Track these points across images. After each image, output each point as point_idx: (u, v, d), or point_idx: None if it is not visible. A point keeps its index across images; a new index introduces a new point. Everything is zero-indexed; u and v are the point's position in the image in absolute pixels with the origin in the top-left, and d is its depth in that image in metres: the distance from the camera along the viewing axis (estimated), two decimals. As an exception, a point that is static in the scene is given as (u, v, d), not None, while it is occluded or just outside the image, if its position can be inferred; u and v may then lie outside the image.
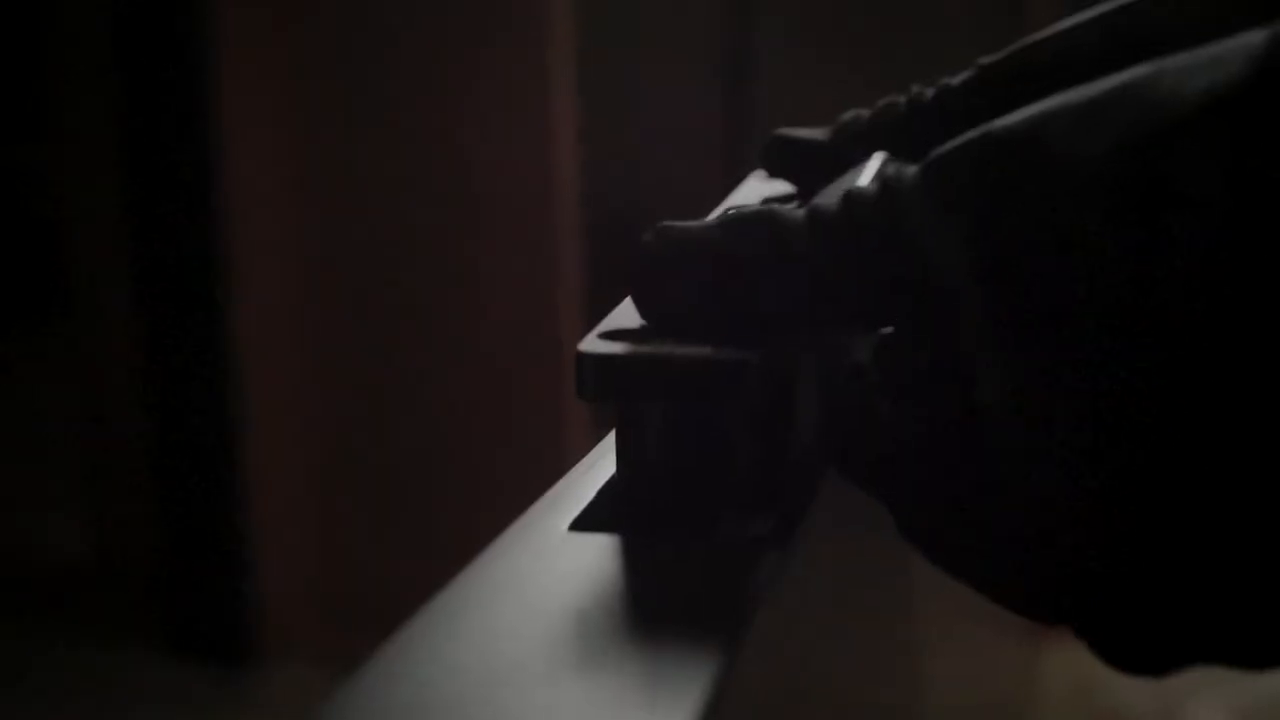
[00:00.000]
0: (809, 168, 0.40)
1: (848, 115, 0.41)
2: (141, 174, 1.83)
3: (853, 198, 0.27)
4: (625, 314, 0.30)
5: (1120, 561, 0.23)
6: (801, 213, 0.27)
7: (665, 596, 0.24)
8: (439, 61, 1.77)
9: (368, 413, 1.89)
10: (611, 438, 0.30)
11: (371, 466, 1.90)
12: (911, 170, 0.26)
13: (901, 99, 0.40)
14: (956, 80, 0.39)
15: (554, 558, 0.26)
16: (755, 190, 0.41)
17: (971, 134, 0.26)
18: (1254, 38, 0.23)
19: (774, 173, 0.42)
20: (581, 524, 0.28)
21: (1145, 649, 0.24)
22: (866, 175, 0.34)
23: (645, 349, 0.27)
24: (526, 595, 0.25)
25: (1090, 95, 0.24)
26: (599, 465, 0.30)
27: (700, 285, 0.28)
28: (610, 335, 0.28)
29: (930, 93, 0.39)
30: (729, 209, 0.38)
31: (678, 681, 0.21)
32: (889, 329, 0.28)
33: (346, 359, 1.88)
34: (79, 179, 1.91)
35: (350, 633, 1.92)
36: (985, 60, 0.38)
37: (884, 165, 0.35)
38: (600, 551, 0.26)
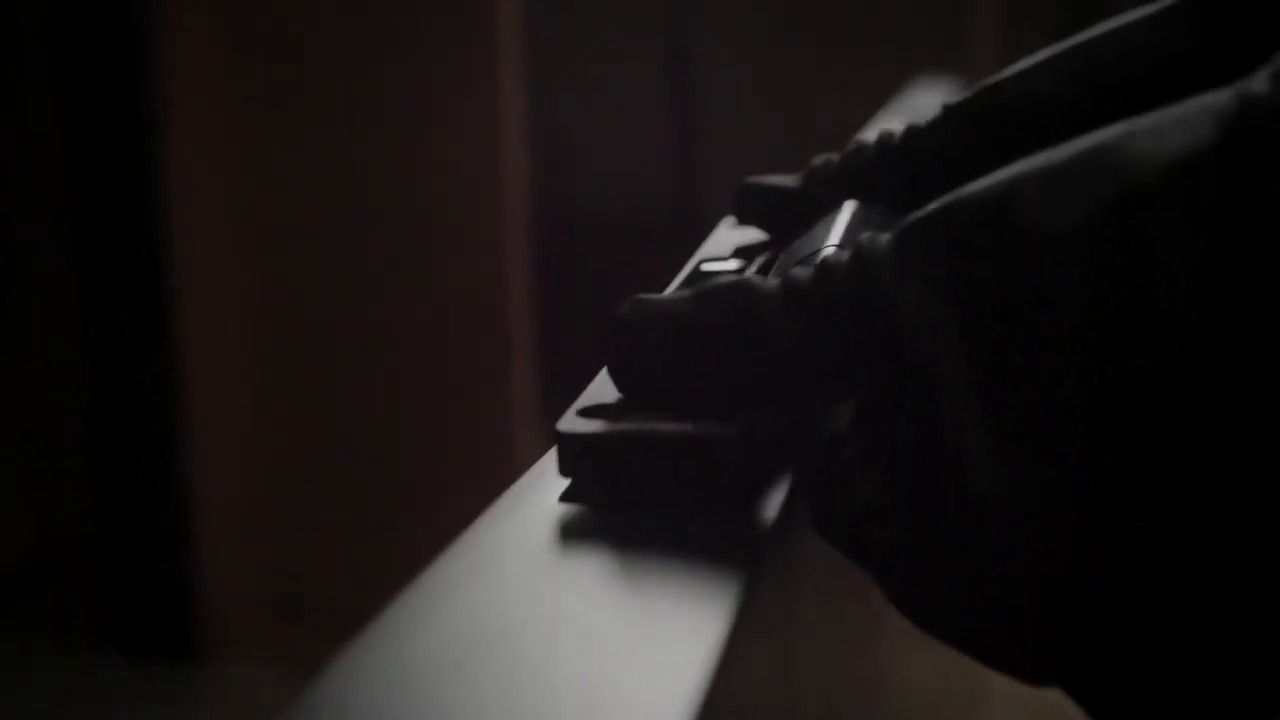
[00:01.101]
0: (781, 214, 0.41)
1: (818, 160, 0.41)
2: (85, 167, 1.81)
3: (827, 268, 0.27)
4: (603, 388, 0.30)
5: (1117, 630, 0.23)
6: (775, 283, 0.27)
7: (660, 566, 0.25)
8: (386, 58, 1.76)
9: (314, 408, 1.88)
10: (588, 391, 0.30)
11: (318, 461, 1.89)
12: (884, 238, 0.26)
13: (871, 140, 0.40)
14: (925, 122, 0.39)
15: (545, 529, 0.26)
16: (726, 240, 0.41)
17: (941, 201, 0.26)
18: (1221, 99, 0.23)
19: (745, 220, 0.42)
20: (571, 495, 0.28)
21: (1142, 711, 0.24)
22: (838, 228, 0.34)
23: (623, 427, 0.28)
24: (519, 566, 0.25)
25: (1058, 160, 0.25)
26: None
27: (675, 358, 0.28)
28: (588, 412, 0.29)
29: (899, 134, 0.39)
30: (701, 262, 0.39)
31: (676, 655, 0.22)
32: (867, 400, 0.28)
33: (293, 355, 1.87)
34: (20, 171, 1.88)
35: (299, 628, 1.91)
36: (951, 102, 0.38)
37: (855, 215, 0.35)
38: (591, 522, 0.27)
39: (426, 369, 1.82)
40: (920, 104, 1.27)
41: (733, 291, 0.28)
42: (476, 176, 1.75)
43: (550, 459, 0.30)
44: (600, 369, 0.31)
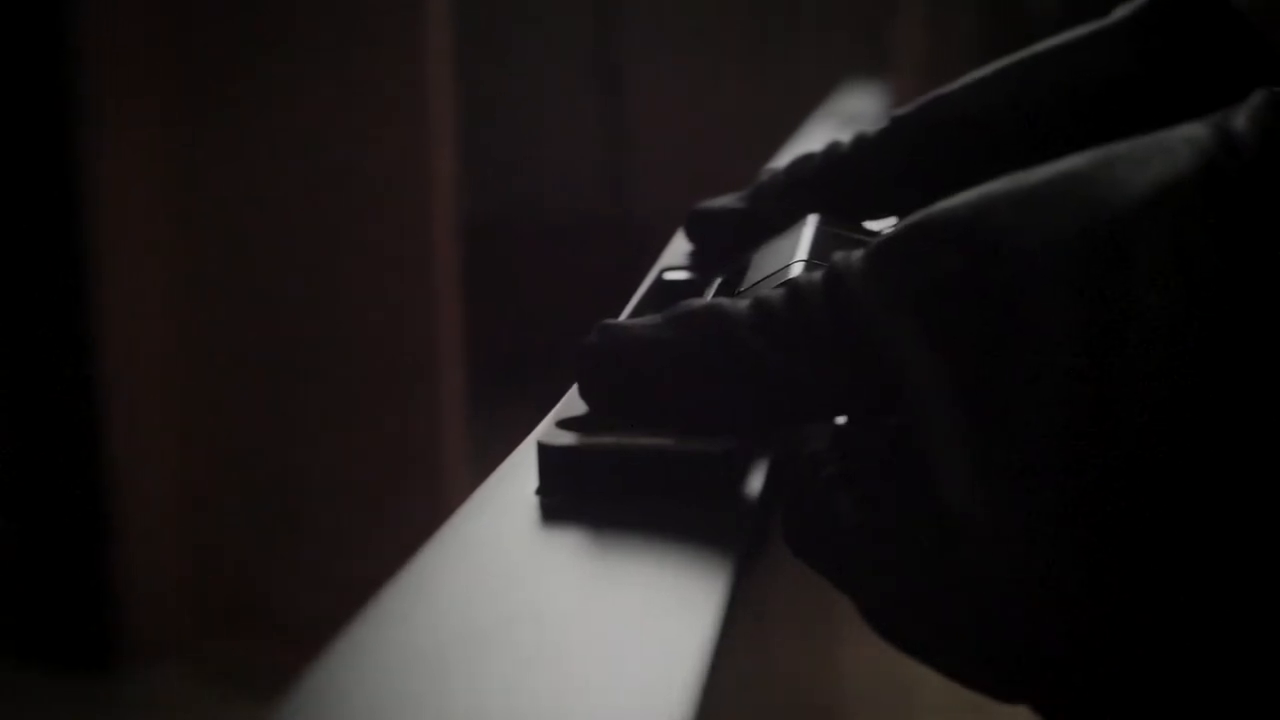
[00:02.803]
0: (731, 235, 0.40)
1: (764, 175, 0.41)
2: (4, 165, 1.78)
3: (799, 289, 0.27)
4: (577, 401, 0.29)
5: (1090, 649, 0.23)
6: (746, 306, 0.27)
7: (643, 556, 0.25)
8: (315, 59, 1.75)
9: (237, 410, 1.86)
10: (563, 403, 0.30)
11: (241, 465, 1.87)
12: (856, 258, 0.26)
13: (817, 152, 0.40)
14: (872, 132, 0.39)
15: (523, 521, 0.26)
16: (680, 251, 0.41)
17: (913, 219, 0.26)
18: (1199, 131, 0.23)
19: (697, 245, 0.42)
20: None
21: None
22: (804, 244, 0.34)
23: (606, 440, 0.27)
24: (500, 559, 0.25)
25: (1032, 183, 0.25)
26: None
27: (648, 384, 0.28)
28: (567, 424, 0.28)
29: (846, 145, 0.39)
30: (663, 271, 0.38)
31: (670, 646, 0.22)
32: (844, 420, 0.28)
33: (217, 356, 1.85)
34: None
35: (221, 634, 1.88)
36: (899, 112, 0.39)
37: (819, 231, 0.35)
38: (569, 514, 0.26)
39: (354, 370, 1.80)
40: (851, 108, 1.28)
41: (705, 316, 0.27)
42: (405, 177, 1.74)
43: (521, 455, 0.30)
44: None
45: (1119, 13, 0.38)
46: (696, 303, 0.28)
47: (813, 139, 0.89)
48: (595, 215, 2.71)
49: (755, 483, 0.27)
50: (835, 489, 0.27)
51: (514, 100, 2.73)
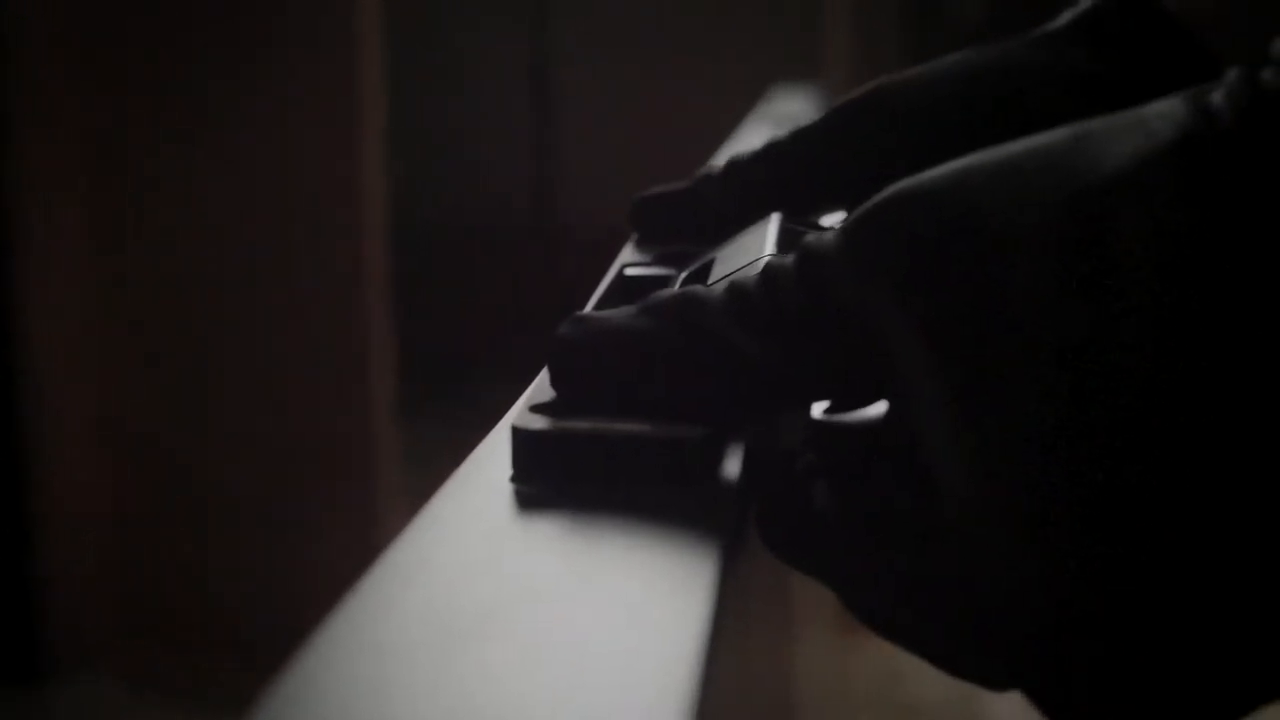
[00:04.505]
0: (679, 217, 0.40)
1: (705, 167, 0.41)
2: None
3: (772, 272, 0.26)
4: (548, 385, 0.29)
5: (1084, 634, 0.23)
6: (721, 292, 0.27)
7: (625, 542, 0.24)
8: (244, 58, 1.73)
9: (164, 418, 1.83)
10: (534, 388, 0.30)
11: (166, 472, 1.84)
12: (829, 237, 0.26)
13: (757, 144, 0.40)
14: (811, 122, 0.39)
15: (501, 509, 0.26)
16: (637, 254, 0.40)
17: (886, 193, 0.25)
18: (1174, 106, 0.24)
19: (644, 233, 0.41)
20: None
21: (1105, 715, 0.24)
22: (769, 237, 0.33)
23: (582, 425, 0.26)
24: (479, 548, 0.24)
25: (1006, 156, 0.25)
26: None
27: (624, 374, 0.27)
28: (541, 408, 0.27)
29: (785, 135, 0.39)
30: (625, 267, 0.38)
31: (665, 635, 0.21)
32: (821, 406, 0.28)
33: (142, 364, 1.82)
34: None
35: (148, 643, 1.85)
36: (840, 101, 0.39)
37: (783, 225, 0.34)
38: (546, 501, 0.26)
39: (284, 375, 1.78)
40: (785, 111, 1.29)
41: (680, 303, 0.27)
42: (335, 179, 1.73)
43: (492, 442, 0.29)
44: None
45: (1064, 17, 0.39)
46: (670, 292, 0.28)
47: (748, 141, 0.89)
48: (525, 222, 2.71)
49: (732, 469, 0.27)
50: (813, 480, 0.27)
51: (444, 107, 2.72)
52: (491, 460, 0.28)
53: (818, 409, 0.28)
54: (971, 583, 0.24)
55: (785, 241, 0.33)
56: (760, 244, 0.33)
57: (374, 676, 0.20)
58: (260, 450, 1.80)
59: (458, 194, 2.75)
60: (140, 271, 1.80)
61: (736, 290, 0.27)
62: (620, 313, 0.28)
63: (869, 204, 0.25)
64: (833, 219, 0.39)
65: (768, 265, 0.27)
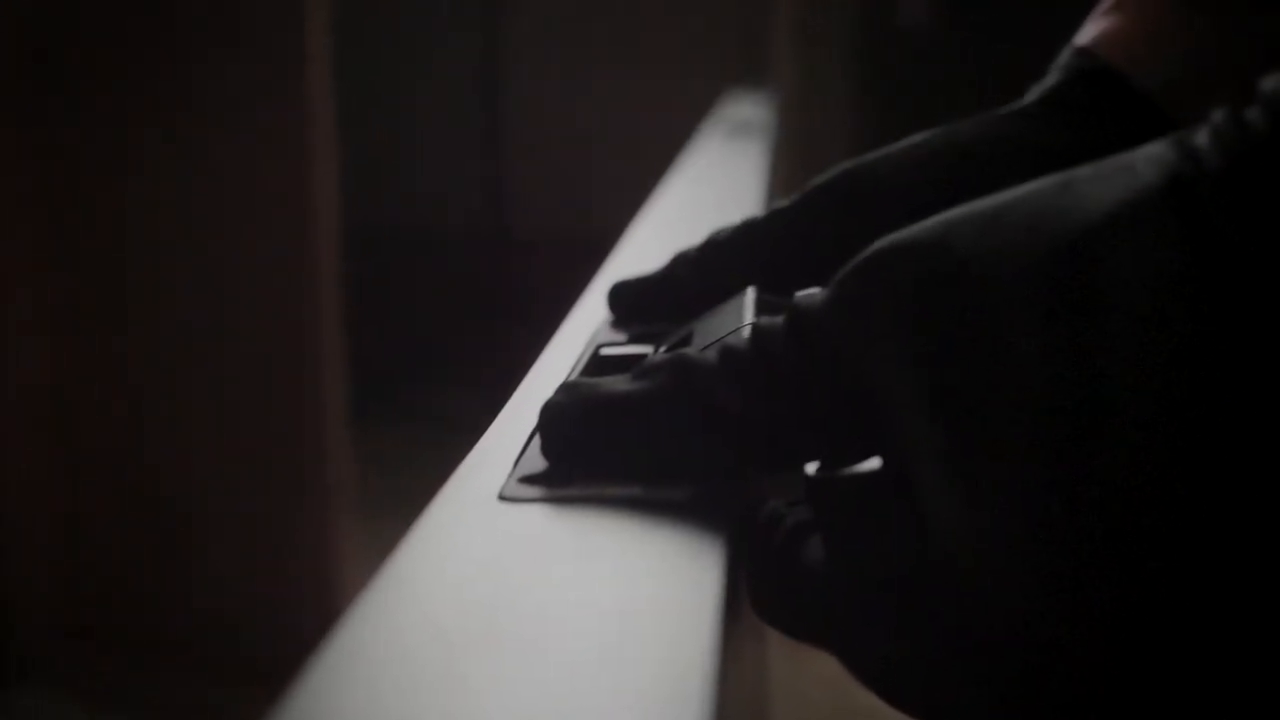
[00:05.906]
0: (655, 303, 0.41)
1: (680, 251, 0.41)
2: None
3: (761, 332, 0.26)
4: (539, 455, 0.29)
5: (1084, 680, 0.23)
6: (712, 355, 0.27)
7: (617, 561, 0.25)
8: (190, 61, 1.71)
9: (114, 427, 1.81)
10: (514, 403, 0.30)
11: (116, 481, 1.82)
12: (817, 294, 0.26)
13: (735, 222, 0.40)
14: (788, 201, 0.39)
15: (489, 527, 0.26)
16: (610, 334, 0.40)
17: (874, 247, 0.25)
18: (1159, 149, 0.24)
19: (620, 316, 0.42)
20: (510, 494, 0.28)
21: None
22: (748, 306, 0.34)
23: (570, 492, 0.27)
24: (471, 566, 0.25)
25: (991, 206, 0.25)
26: (511, 432, 0.30)
27: (616, 436, 0.27)
28: (530, 480, 0.28)
29: (761, 216, 0.39)
30: (600, 347, 0.38)
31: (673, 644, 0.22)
32: (813, 465, 0.28)
33: (93, 371, 1.80)
34: None
35: (98, 654, 1.84)
36: (816, 182, 0.39)
37: (760, 297, 0.35)
38: (535, 518, 0.27)
39: (234, 383, 1.77)
40: (739, 116, 1.30)
41: (672, 367, 0.27)
42: (284, 183, 1.72)
43: (475, 461, 0.30)
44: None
45: (1031, 94, 0.40)
46: (661, 357, 0.28)
47: (705, 149, 0.89)
48: (477, 225, 2.70)
49: (723, 532, 0.27)
50: (803, 538, 0.27)
51: (395, 110, 2.71)
52: (478, 479, 0.29)
53: (811, 467, 0.29)
54: (967, 631, 0.24)
55: (763, 312, 0.33)
56: (739, 314, 0.33)
57: (383, 690, 0.20)
58: (210, 458, 1.79)
59: (409, 198, 2.74)
60: (90, 276, 1.79)
61: (728, 352, 0.27)
62: (611, 379, 0.28)
63: (858, 258, 0.26)
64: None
65: (756, 327, 0.27)
